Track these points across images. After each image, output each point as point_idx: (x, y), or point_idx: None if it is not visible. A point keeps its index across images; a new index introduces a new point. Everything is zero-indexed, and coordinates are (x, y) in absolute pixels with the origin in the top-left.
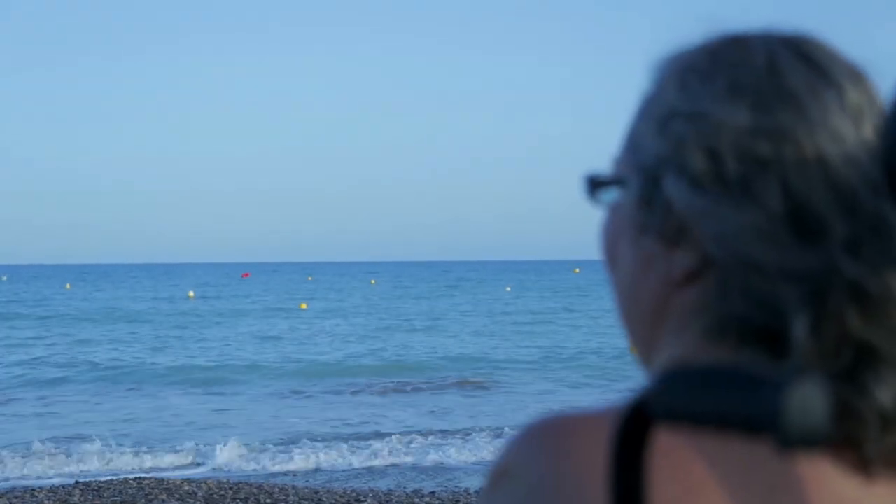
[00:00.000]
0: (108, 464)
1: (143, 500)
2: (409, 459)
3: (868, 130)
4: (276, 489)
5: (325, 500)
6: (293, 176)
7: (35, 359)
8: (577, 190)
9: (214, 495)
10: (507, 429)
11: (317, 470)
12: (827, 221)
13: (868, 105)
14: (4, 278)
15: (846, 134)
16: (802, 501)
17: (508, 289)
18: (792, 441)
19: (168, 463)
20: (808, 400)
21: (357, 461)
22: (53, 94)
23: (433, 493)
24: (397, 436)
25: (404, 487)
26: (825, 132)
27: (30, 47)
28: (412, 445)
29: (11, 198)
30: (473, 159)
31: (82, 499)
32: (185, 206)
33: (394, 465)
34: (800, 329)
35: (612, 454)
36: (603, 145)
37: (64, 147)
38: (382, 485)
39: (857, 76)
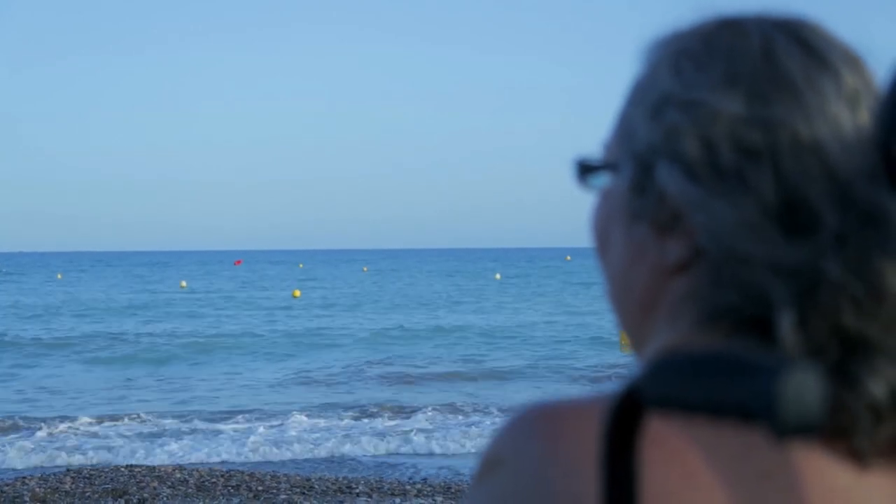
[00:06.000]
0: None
1: (134, 488)
2: (399, 446)
3: (864, 116)
4: (268, 477)
5: (316, 487)
6: (286, 167)
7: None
8: (568, 179)
9: (206, 483)
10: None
11: (308, 459)
12: (819, 213)
13: (864, 89)
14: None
15: (842, 120)
16: (796, 490)
17: (498, 276)
18: (786, 429)
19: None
20: (804, 388)
21: (352, 450)
22: (51, 90)
23: (425, 479)
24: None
25: (396, 474)
26: (821, 119)
27: (28, 46)
28: (407, 434)
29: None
30: (469, 152)
31: (73, 486)
32: (179, 195)
33: (385, 453)
34: (785, 324)
35: (604, 441)
36: (598, 135)
37: (60, 140)
38: (374, 472)
39: (853, 60)
